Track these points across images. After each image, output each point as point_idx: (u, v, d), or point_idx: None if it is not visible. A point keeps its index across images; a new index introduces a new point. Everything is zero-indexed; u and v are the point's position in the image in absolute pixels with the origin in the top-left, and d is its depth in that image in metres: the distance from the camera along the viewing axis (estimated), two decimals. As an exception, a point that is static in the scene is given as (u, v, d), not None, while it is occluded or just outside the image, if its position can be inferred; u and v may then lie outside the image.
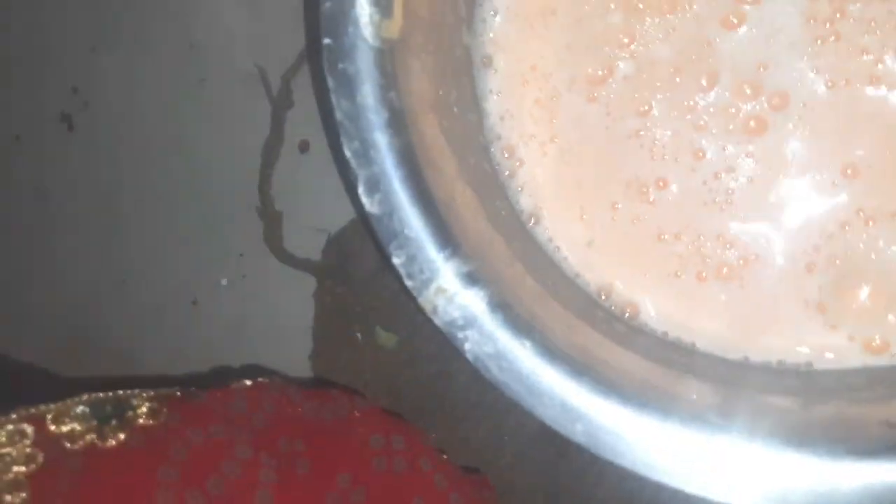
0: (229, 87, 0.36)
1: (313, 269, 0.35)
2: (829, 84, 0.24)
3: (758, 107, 0.25)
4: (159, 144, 0.37)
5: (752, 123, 0.25)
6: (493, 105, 0.28)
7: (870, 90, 0.24)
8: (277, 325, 0.35)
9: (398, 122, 0.22)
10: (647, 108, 0.26)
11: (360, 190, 0.22)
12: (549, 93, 0.27)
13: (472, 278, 0.22)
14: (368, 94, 0.22)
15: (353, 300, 0.34)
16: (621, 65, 0.26)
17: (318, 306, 0.34)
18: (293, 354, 0.34)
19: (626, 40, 0.26)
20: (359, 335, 0.33)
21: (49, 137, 0.38)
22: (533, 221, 0.27)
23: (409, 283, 0.22)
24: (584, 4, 0.27)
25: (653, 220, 0.26)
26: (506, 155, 0.28)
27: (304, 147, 0.34)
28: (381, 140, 0.22)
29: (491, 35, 0.27)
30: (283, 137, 0.35)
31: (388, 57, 0.22)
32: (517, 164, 0.28)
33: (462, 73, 0.27)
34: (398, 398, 0.32)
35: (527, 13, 0.27)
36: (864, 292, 0.23)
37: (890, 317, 0.23)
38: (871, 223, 0.24)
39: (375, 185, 0.22)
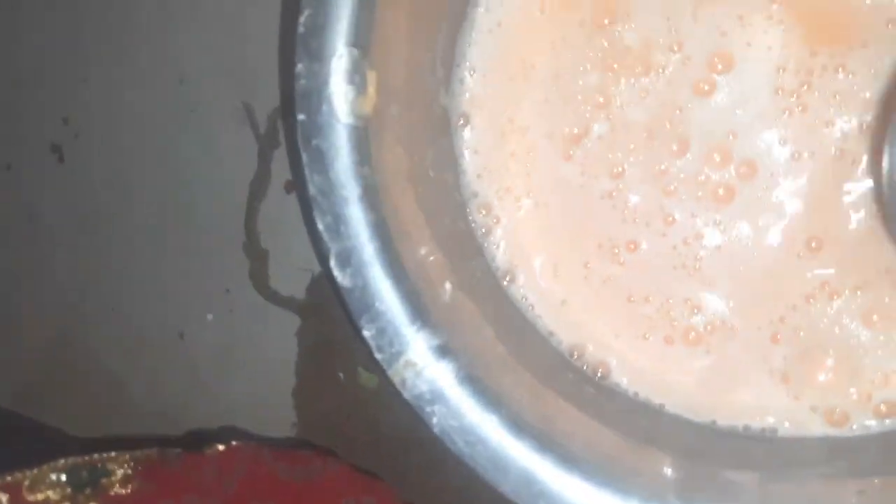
0: (218, 122, 0.36)
1: (297, 308, 0.35)
2: (795, 156, 0.25)
3: (726, 175, 0.25)
4: (148, 177, 0.37)
5: (720, 191, 0.26)
6: (470, 163, 0.28)
7: (834, 163, 0.24)
8: (261, 361, 0.36)
9: (371, 197, 0.22)
10: (620, 169, 0.27)
11: (332, 263, 0.22)
12: (527, 147, 0.28)
13: (441, 351, 0.22)
14: (341, 170, 0.22)
15: (336, 339, 0.34)
16: (596, 126, 0.26)
17: (301, 344, 0.35)
18: (276, 389, 0.35)
19: (601, 100, 0.27)
20: (341, 374, 0.34)
21: (39, 167, 0.39)
22: (508, 279, 0.28)
23: (378, 355, 0.22)
24: (563, 60, 0.27)
25: (623, 281, 0.26)
26: (482, 212, 0.28)
27: (289, 187, 0.35)
28: (353, 215, 0.22)
29: (468, 95, 0.28)
30: (270, 175, 0.36)
31: (362, 132, 0.22)
32: (493, 221, 0.28)
33: (439, 133, 0.27)
34: (377, 438, 0.33)
35: (506, 68, 0.28)
36: (827, 364, 0.24)
37: (852, 390, 0.24)
38: (834, 297, 0.24)
39: (347, 259, 0.22)
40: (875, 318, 0.24)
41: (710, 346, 0.25)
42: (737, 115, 0.25)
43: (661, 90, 0.26)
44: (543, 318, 0.28)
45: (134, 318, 0.37)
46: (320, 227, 0.22)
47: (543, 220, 0.28)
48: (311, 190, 0.22)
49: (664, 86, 0.26)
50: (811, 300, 0.24)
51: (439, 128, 0.27)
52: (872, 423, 0.24)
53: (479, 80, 0.28)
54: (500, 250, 0.28)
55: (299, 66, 0.22)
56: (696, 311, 0.26)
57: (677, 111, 0.26)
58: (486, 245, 0.28)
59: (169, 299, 0.37)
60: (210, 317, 0.37)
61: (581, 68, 0.26)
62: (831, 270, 0.24)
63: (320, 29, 0.22)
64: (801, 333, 0.24)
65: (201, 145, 0.37)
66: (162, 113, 0.38)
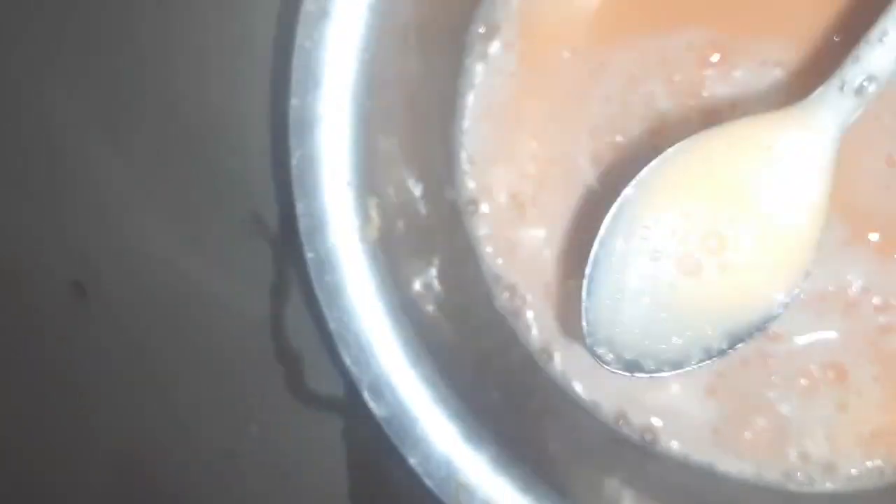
0: (230, 233, 0.36)
1: (339, 407, 0.35)
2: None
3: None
4: (169, 301, 0.37)
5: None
6: (487, 247, 0.28)
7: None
8: (312, 465, 0.35)
9: (393, 321, 0.22)
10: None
11: (366, 396, 0.22)
12: (542, 223, 0.27)
13: (492, 465, 0.22)
14: (358, 300, 0.22)
15: (384, 435, 0.34)
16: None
17: (349, 445, 0.35)
18: (332, 493, 0.35)
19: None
20: (394, 469, 0.34)
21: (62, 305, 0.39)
22: (545, 358, 0.27)
23: (428, 482, 0.22)
24: (560, 144, 0.27)
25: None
26: (507, 295, 0.28)
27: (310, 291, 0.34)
28: (379, 343, 0.22)
29: (472, 184, 0.27)
30: (289, 281, 0.35)
31: (372, 258, 0.22)
32: (520, 302, 0.27)
33: (451, 228, 0.27)
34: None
35: (504, 150, 0.27)
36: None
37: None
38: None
39: (379, 390, 0.22)
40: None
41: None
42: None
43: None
44: (582, 390, 0.27)
45: (180, 440, 0.37)
46: (347, 361, 0.22)
47: (569, 293, 0.27)
48: (332, 325, 0.22)
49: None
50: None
51: (449, 222, 0.27)
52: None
53: (481, 166, 0.27)
54: (533, 331, 0.27)
55: (299, 206, 0.22)
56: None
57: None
58: (517, 329, 0.27)
59: (209, 418, 0.37)
60: (254, 429, 0.36)
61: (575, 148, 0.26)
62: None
63: (313, 168, 0.21)
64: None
65: (217, 259, 0.37)
66: (175, 232, 0.38)
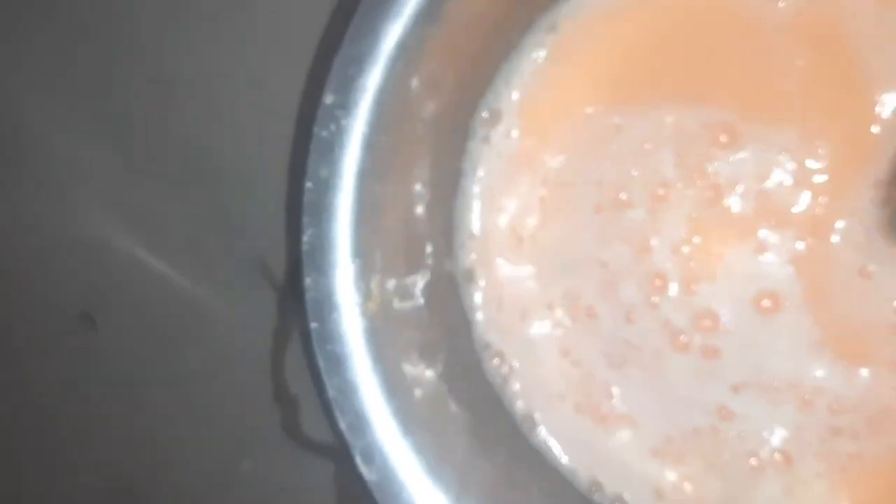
0: (238, 274, 0.38)
1: (331, 453, 0.36)
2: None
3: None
4: (174, 336, 0.39)
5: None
6: (480, 315, 0.29)
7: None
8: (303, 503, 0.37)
9: (389, 394, 0.24)
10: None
11: (358, 460, 0.23)
12: (535, 299, 0.29)
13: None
14: (357, 370, 0.23)
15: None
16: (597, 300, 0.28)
17: (339, 489, 0.36)
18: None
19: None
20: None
21: (69, 335, 0.40)
22: (529, 426, 0.29)
23: (413, 544, 0.23)
24: (559, 224, 0.29)
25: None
26: (496, 362, 0.29)
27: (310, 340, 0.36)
28: (374, 412, 0.23)
29: (472, 256, 0.29)
30: (291, 325, 0.37)
31: (373, 332, 0.24)
32: (509, 372, 0.29)
33: (448, 299, 0.28)
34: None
35: (502, 230, 0.29)
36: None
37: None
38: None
39: (371, 455, 0.23)
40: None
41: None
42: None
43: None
44: (563, 458, 0.28)
45: (173, 471, 0.39)
46: (342, 426, 0.23)
47: (556, 366, 0.29)
48: (331, 392, 0.23)
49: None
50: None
51: (447, 294, 0.28)
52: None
53: (480, 240, 0.29)
54: (519, 400, 0.29)
55: (308, 280, 0.23)
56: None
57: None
58: (504, 396, 0.29)
59: (205, 451, 0.38)
60: (247, 466, 0.38)
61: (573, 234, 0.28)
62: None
63: (323, 246, 0.23)
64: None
65: (222, 299, 0.39)
66: (181, 272, 0.39)
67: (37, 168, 0.40)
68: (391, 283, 0.24)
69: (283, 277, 0.37)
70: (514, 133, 0.29)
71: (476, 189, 0.29)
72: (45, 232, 0.41)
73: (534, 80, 0.29)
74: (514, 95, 0.29)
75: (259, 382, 0.38)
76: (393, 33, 0.23)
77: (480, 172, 0.29)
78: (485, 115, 0.29)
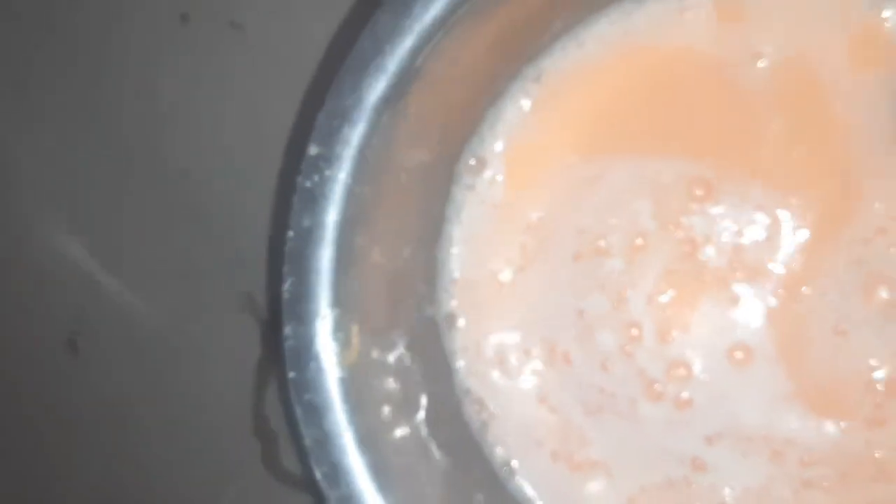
0: (223, 307, 0.38)
1: (311, 489, 0.36)
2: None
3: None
4: (157, 365, 0.39)
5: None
6: (461, 361, 0.29)
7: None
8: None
9: (365, 444, 0.24)
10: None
11: (333, 509, 0.24)
12: (515, 346, 0.29)
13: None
14: (334, 420, 0.24)
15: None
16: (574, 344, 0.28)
17: (318, 525, 0.36)
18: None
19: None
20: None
21: (54, 362, 0.40)
22: (507, 473, 0.29)
23: None
24: (541, 267, 0.29)
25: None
26: (476, 408, 0.29)
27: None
28: (350, 463, 0.24)
29: (454, 301, 0.29)
30: (274, 360, 0.37)
31: (351, 381, 0.24)
32: (488, 416, 0.29)
33: (428, 342, 0.29)
34: None
35: (484, 276, 0.29)
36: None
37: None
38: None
39: (347, 505, 0.24)
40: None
41: None
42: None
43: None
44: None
45: (151, 501, 0.39)
46: (318, 476, 0.24)
47: (533, 419, 0.29)
48: (307, 442, 0.24)
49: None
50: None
51: (427, 337, 0.29)
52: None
53: (462, 285, 0.29)
54: (497, 446, 0.29)
55: (287, 329, 0.24)
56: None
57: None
58: (484, 441, 0.29)
59: (183, 485, 0.38)
60: (226, 499, 0.38)
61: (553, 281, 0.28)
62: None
63: (304, 295, 0.23)
64: None
65: (208, 331, 0.39)
66: (168, 302, 0.39)
67: (23, 196, 0.40)
68: (371, 332, 0.25)
69: (268, 312, 0.38)
70: (499, 180, 0.29)
71: (459, 235, 0.29)
72: (33, 259, 0.41)
73: (518, 128, 0.29)
74: (499, 143, 0.29)
75: (241, 416, 0.39)
76: (377, 88, 0.23)
77: (464, 218, 0.29)
78: (471, 162, 0.29)
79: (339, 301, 0.23)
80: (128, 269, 0.39)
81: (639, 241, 0.28)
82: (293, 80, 0.36)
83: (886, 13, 0.25)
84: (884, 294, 0.25)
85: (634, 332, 0.28)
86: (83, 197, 0.40)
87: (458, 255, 0.29)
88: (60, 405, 0.39)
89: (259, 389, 0.37)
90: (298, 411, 0.24)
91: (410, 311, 0.28)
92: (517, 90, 0.29)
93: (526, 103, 0.29)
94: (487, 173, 0.29)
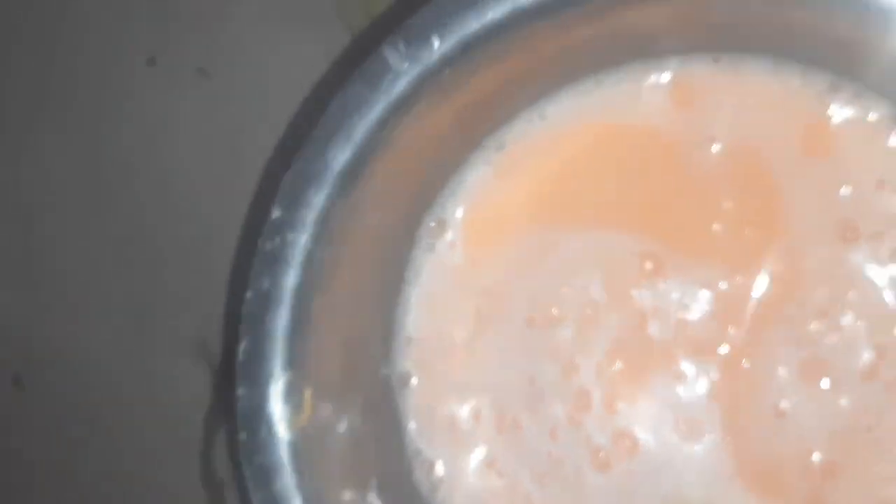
0: (176, 351, 0.38)
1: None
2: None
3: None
4: (106, 406, 0.39)
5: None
6: (413, 423, 0.30)
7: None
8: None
9: (312, 506, 0.24)
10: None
11: (279, 570, 0.24)
12: (469, 409, 0.30)
13: None
14: (283, 484, 0.24)
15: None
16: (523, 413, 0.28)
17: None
18: None
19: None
20: None
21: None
22: (456, 535, 0.29)
23: None
24: (494, 330, 0.29)
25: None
26: (426, 470, 0.30)
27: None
28: (297, 526, 0.24)
29: (409, 361, 0.30)
30: (223, 410, 0.37)
31: (302, 445, 0.24)
32: (438, 479, 0.30)
33: (381, 403, 0.29)
34: None
35: (441, 336, 0.30)
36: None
37: None
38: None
39: (293, 567, 0.24)
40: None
41: None
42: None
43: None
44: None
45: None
46: (265, 537, 0.24)
47: (481, 479, 0.29)
48: (255, 502, 0.24)
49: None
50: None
51: (380, 399, 0.29)
52: None
53: (417, 344, 0.30)
54: (445, 507, 0.29)
55: (240, 390, 0.24)
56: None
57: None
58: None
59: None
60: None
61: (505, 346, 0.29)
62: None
63: (258, 356, 0.24)
64: None
65: (156, 377, 0.38)
66: (117, 344, 0.39)
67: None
68: (325, 395, 0.25)
69: (220, 359, 0.38)
70: (458, 243, 0.30)
71: (417, 296, 0.30)
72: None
73: (479, 194, 0.30)
74: (461, 208, 0.30)
75: (189, 463, 0.38)
76: (343, 156, 0.24)
77: (423, 280, 0.30)
78: (432, 224, 0.30)
79: (293, 364, 0.24)
80: (81, 309, 0.39)
81: (589, 312, 0.29)
82: (259, 132, 0.36)
83: (831, 110, 0.26)
84: (820, 377, 0.26)
85: (583, 400, 0.29)
86: (40, 234, 0.39)
87: (415, 317, 0.30)
88: (2, 446, 0.39)
89: (208, 437, 0.37)
90: (248, 473, 0.24)
91: (366, 371, 0.28)
92: (480, 158, 0.29)
93: (487, 171, 0.30)
94: (448, 236, 0.30)
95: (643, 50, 0.27)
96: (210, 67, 0.39)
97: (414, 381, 0.30)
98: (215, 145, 0.37)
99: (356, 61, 0.24)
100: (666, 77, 0.28)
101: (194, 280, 0.38)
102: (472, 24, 0.23)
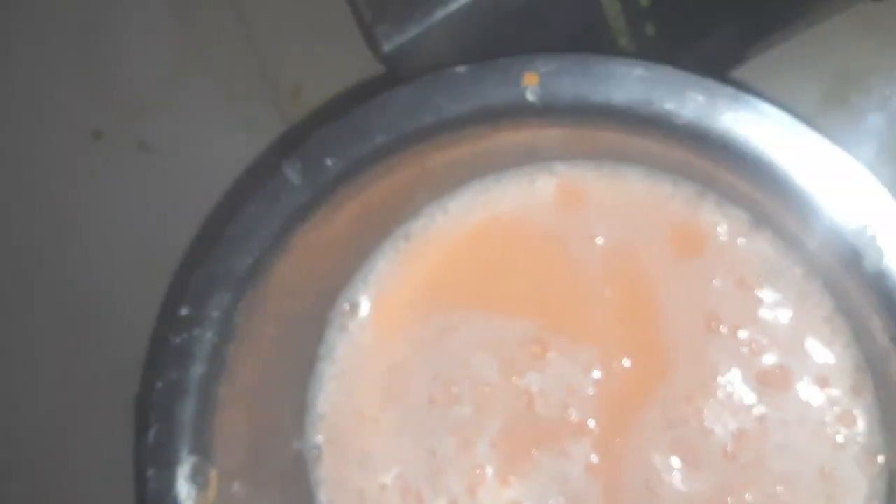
0: (108, 419, 0.40)
1: None
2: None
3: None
4: (37, 473, 0.40)
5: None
6: (324, 495, 0.32)
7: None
8: None
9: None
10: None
11: None
12: (378, 484, 0.32)
13: None
14: (190, 565, 0.26)
15: None
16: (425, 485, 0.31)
17: None
18: None
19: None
20: None
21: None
22: None
23: None
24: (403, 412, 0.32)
25: None
26: (336, 541, 0.32)
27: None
28: None
29: (320, 435, 0.32)
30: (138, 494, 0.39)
31: (207, 523, 0.26)
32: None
33: (295, 474, 0.31)
34: None
35: (354, 412, 0.32)
36: None
37: None
38: None
39: None
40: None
41: None
42: None
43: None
44: None
45: None
46: None
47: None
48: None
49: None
50: None
51: (292, 474, 0.31)
52: None
53: (331, 419, 0.32)
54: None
55: (149, 472, 0.26)
56: None
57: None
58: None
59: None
60: None
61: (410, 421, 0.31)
62: None
63: (166, 442, 0.26)
64: None
65: (87, 443, 0.40)
66: (45, 409, 0.41)
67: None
68: (234, 473, 0.27)
69: (133, 444, 0.39)
70: (369, 325, 0.32)
71: (330, 372, 0.32)
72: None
73: (388, 279, 0.32)
74: (371, 290, 0.32)
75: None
76: (244, 262, 0.26)
77: (336, 357, 0.32)
78: (345, 306, 0.32)
79: (199, 448, 0.26)
80: (11, 368, 0.41)
81: (485, 391, 0.31)
82: (192, 208, 0.38)
83: (699, 214, 0.29)
84: (687, 456, 0.29)
85: (479, 473, 0.31)
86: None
87: (327, 393, 0.32)
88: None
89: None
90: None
91: (277, 447, 0.30)
92: (389, 247, 0.32)
93: (396, 258, 0.32)
94: (359, 317, 0.32)
95: (531, 156, 0.30)
96: (152, 142, 0.41)
97: (325, 454, 0.32)
98: (148, 218, 0.39)
99: (289, 146, 0.26)
100: (553, 180, 0.31)
101: (121, 342, 0.40)
102: (362, 147, 0.25)
